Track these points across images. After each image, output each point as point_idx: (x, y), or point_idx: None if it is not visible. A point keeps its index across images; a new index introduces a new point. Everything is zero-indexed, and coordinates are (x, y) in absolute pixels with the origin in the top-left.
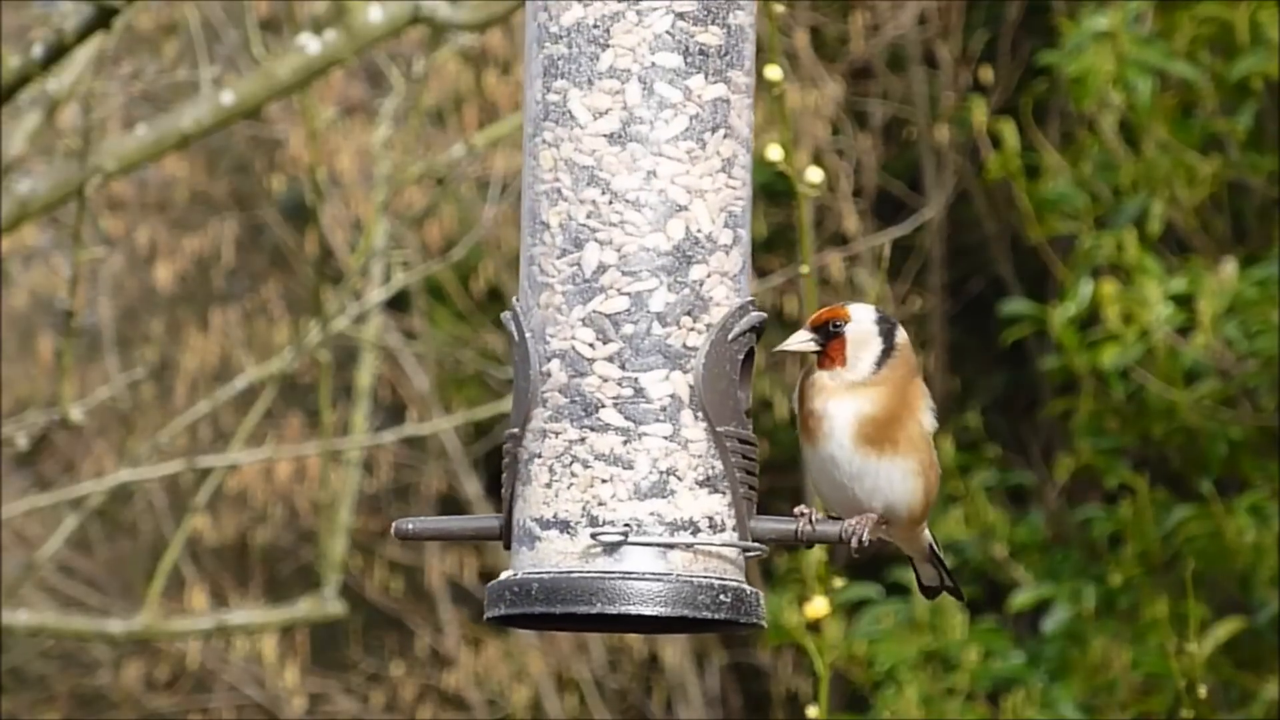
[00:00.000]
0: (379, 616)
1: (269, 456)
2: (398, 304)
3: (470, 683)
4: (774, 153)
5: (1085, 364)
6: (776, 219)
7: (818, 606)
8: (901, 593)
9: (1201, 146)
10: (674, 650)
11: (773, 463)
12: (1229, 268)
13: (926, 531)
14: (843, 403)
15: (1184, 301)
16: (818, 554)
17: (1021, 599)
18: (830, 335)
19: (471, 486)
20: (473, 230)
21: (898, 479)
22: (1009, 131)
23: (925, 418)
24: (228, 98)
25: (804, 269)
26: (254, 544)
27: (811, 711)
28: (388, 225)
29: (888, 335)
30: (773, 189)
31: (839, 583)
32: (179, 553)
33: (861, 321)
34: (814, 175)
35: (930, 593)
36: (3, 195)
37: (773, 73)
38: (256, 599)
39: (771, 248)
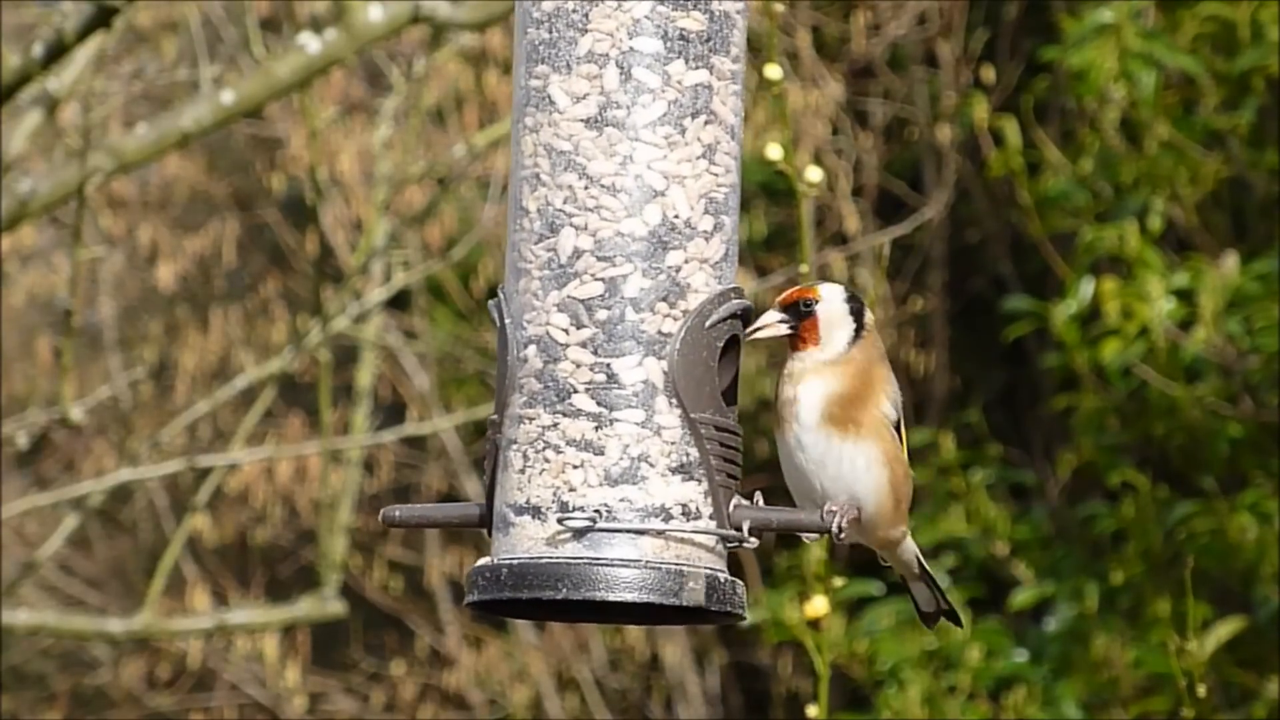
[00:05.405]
0: (379, 616)
1: (269, 456)
2: (398, 304)
3: (471, 682)
4: (774, 152)
5: (1086, 361)
6: (776, 218)
7: (817, 605)
8: (903, 591)
9: (1203, 143)
10: (674, 649)
11: (772, 462)
12: (1230, 262)
13: (910, 544)
14: (811, 384)
15: (1185, 296)
16: (818, 552)
17: (1022, 597)
18: (802, 315)
19: (472, 486)
20: (473, 230)
21: (862, 466)
22: (1010, 129)
23: (886, 406)
24: (228, 97)
25: (803, 268)
26: (254, 543)
27: (812, 710)
28: (388, 225)
29: (858, 315)
30: (773, 188)
31: (839, 581)
32: (179, 552)
33: (833, 301)
34: (813, 174)
35: (930, 619)
36: (3, 195)
37: (773, 72)
38: (257, 598)
39: (771, 247)
